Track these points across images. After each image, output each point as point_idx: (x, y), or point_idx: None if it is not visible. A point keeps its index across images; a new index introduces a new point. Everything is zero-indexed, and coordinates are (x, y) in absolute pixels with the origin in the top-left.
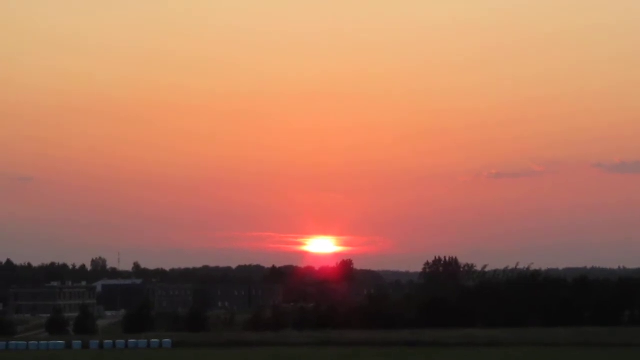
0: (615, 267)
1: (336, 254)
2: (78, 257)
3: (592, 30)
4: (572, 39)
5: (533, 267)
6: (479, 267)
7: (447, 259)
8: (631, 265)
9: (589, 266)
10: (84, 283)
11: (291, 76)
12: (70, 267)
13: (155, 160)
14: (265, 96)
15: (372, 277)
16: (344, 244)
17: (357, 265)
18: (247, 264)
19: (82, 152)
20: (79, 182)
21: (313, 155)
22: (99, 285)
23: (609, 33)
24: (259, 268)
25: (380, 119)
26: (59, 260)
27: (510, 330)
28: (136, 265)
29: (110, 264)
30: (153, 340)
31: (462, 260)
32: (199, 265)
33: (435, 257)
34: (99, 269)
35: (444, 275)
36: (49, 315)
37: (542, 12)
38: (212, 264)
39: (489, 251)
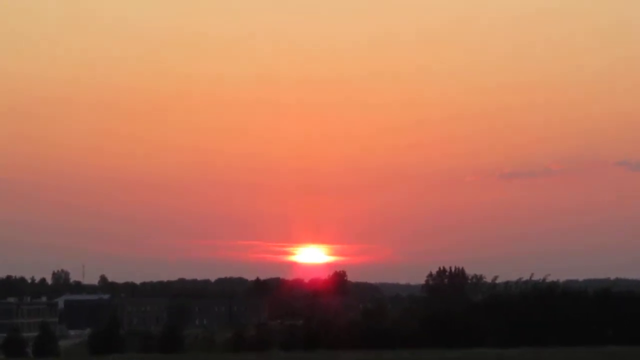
0: None
1: (328, 265)
2: (37, 270)
3: (617, 28)
4: (595, 37)
5: (550, 279)
6: (488, 279)
7: (453, 269)
8: None
9: (612, 277)
10: (44, 299)
11: (284, 71)
12: (29, 280)
13: (126, 158)
14: (257, 90)
15: (368, 290)
16: (337, 253)
17: (352, 277)
18: (228, 276)
19: (42, 151)
20: (38, 183)
21: (303, 154)
22: (61, 301)
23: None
24: (241, 281)
25: (377, 112)
26: (16, 273)
27: (523, 350)
28: (103, 279)
29: (74, 277)
30: None
31: (470, 271)
32: (173, 278)
33: (440, 268)
34: (61, 282)
35: (449, 287)
36: (4, 335)
37: (574, 10)
38: (189, 277)
39: (500, 261)
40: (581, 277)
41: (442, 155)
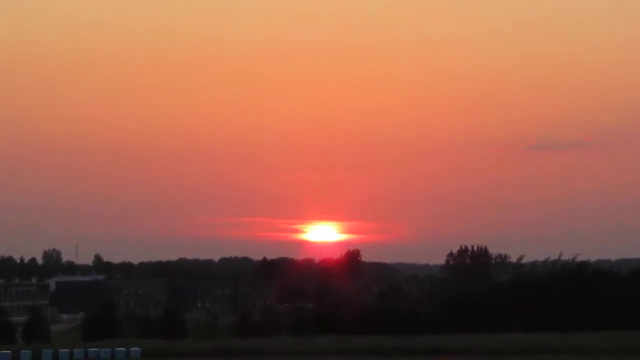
0: None
1: (340, 244)
2: (27, 249)
3: None
4: (631, 3)
5: (579, 258)
6: (513, 258)
7: (476, 248)
8: None
9: None
10: (34, 280)
11: (290, 24)
12: (18, 260)
13: (120, 131)
14: (260, 48)
15: (384, 271)
16: (350, 231)
17: (366, 257)
18: (233, 255)
19: (31, 124)
20: (26, 157)
21: (315, 126)
22: (52, 283)
23: None
24: (246, 261)
25: (394, 76)
26: (4, 252)
27: (551, 335)
28: (97, 258)
29: (66, 256)
30: (118, 349)
31: (494, 250)
32: (173, 257)
33: (461, 247)
34: (53, 262)
35: (472, 268)
36: None
37: None
38: (190, 256)
39: (526, 239)
40: (614, 256)
41: (463, 126)
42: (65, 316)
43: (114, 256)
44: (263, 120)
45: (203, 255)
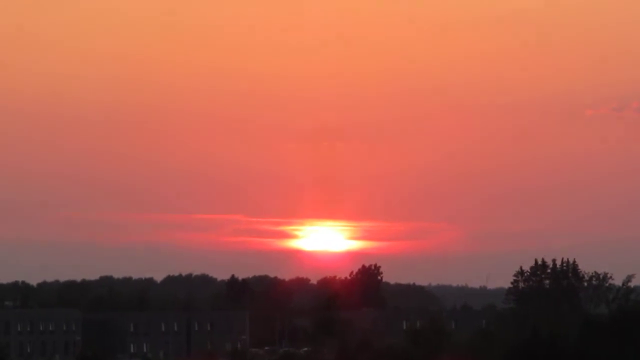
0: None
1: (351, 255)
2: None
3: None
4: None
5: None
6: (618, 280)
7: (558, 263)
8: None
9: None
10: None
11: None
12: None
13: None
14: None
15: (417, 298)
16: (366, 235)
17: (390, 276)
18: (185, 272)
19: None
20: None
21: (312, 67)
22: None
23: None
24: (206, 281)
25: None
26: None
27: None
28: None
29: None
30: None
31: (586, 267)
32: (93, 275)
33: (537, 261)
34: None
35: (553, 294)
36: None
37: None
38: (119, 274)
39: (638, 249)
40: None
41: (549, 77)
42: None
43: (1, 273)
44: (243, 69)
45: (139, 272)
